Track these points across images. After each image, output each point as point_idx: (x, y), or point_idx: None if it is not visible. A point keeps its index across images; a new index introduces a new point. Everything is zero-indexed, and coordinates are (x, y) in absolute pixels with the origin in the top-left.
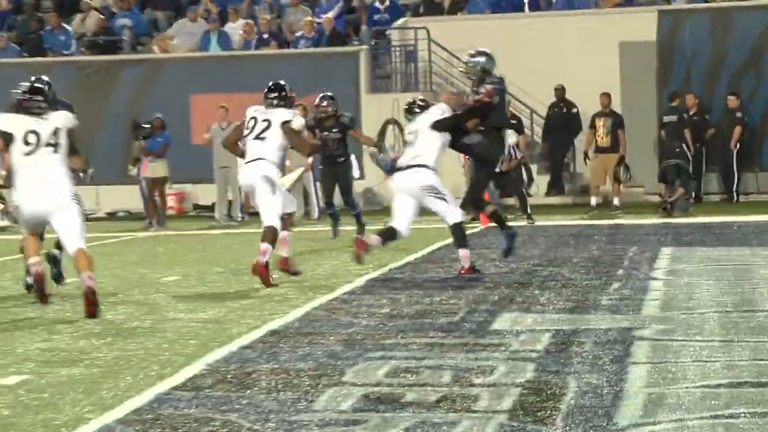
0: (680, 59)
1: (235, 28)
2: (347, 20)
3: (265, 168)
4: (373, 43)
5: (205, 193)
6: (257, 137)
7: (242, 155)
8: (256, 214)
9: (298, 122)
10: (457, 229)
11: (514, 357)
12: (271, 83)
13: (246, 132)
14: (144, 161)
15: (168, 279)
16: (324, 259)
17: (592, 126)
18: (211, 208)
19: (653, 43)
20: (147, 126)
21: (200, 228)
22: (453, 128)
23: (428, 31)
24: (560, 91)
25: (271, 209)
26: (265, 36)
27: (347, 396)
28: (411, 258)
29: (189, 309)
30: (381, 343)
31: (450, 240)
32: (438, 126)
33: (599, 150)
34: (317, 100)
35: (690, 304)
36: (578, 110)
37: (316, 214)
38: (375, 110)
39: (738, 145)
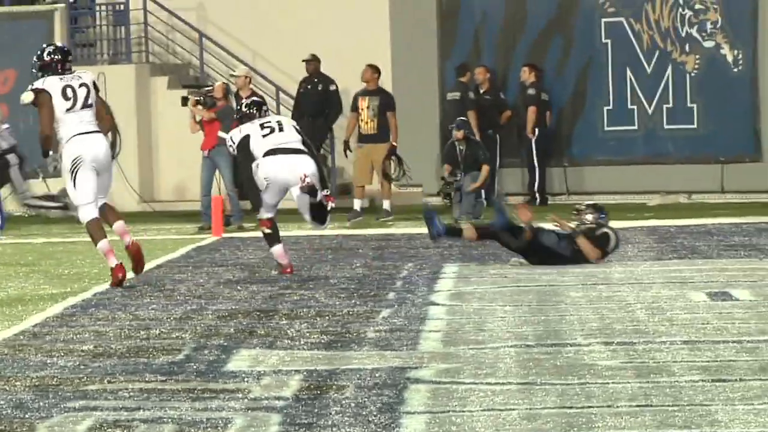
0: (467, 21)
1: None
2: None
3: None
4: (71, 0)
5: None
6: (85, 106)
7: (54, 148)
8: None
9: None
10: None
11: (255, 406)
12: (55, 47)
13: (67, 105)
14: None
15: None
16: (8, 281)
17: (355, 108)
18: None
19: (432, 1)
20: None
21: None
22: None
23: None
24: (313, 62)
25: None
26: None
27: None
28: None
29: None
30: (82, 390)
31: (172, 256)
32: None
33: (364, 139)
34: None
35: (480, 336)
36: (337, 87)
37: None
38: None
39: (536, 132)
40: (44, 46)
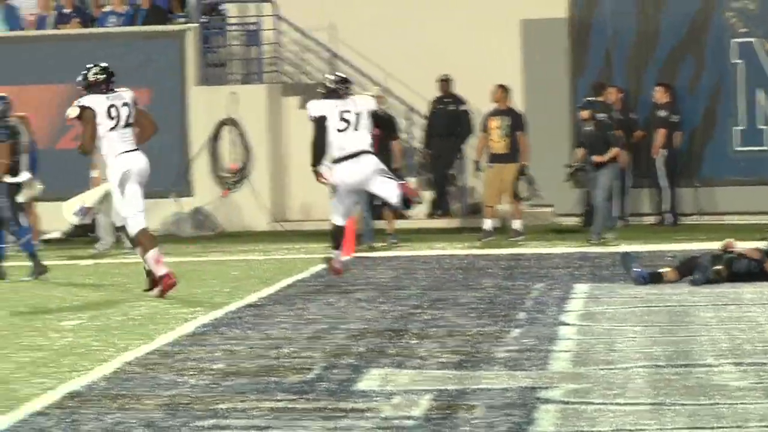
0: (599, 41)
1: (26, 1)
2: None
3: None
4: (203, 20)
5: None
6: (127, 125)
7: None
8: None
9: None
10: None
11: (385, 425)
12: (100, 68)
13: (111, 124)
14: None
15: None
16: (139, 300)
17: (485, 128)
18: None
19: (564, 21)
20: None
21: None
22: None
23: (275, 6)
24: (445, 82)
25: None
26: (66, 11)
27: None
28: (252, 298)
29: None
30: (213, 409)
31: (303, 275)
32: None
33: (494, 159)
34: None
35: (610, 356)
36: (468, 107)
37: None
38: (206, 106)
39: (664, 153)
40: (89, 66)
